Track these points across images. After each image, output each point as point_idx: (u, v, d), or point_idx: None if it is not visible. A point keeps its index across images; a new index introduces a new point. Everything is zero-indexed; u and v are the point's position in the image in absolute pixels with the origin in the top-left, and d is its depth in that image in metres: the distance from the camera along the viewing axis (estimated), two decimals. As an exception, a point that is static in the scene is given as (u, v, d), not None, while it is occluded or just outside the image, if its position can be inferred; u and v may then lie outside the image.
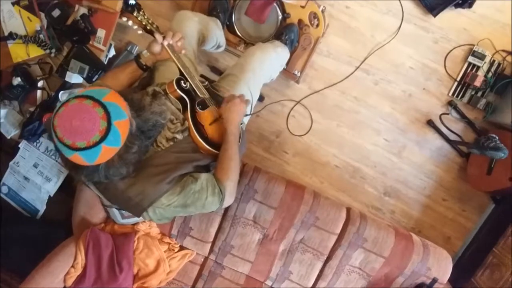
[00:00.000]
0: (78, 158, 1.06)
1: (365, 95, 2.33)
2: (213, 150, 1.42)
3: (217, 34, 1.91)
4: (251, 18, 2.01)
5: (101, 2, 1.91)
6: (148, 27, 1.38)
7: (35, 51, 1.93)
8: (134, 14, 1.36)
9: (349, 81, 2.32)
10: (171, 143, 1.33)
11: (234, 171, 1.39)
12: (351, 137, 2.38)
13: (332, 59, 2.32)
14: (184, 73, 1.39)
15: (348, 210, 1.95)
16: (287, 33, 1.99)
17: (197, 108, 1.41)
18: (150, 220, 1.95)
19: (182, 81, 1.38)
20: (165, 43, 1.35)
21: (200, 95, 1.42)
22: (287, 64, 2.09)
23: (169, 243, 1.99)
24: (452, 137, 2.28)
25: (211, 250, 2.01)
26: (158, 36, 1.34)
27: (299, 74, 2.15)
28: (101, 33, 1.93)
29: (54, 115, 1.05)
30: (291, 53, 2.06)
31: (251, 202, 1.90)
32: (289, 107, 2.41)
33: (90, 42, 1.93)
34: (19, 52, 1.94)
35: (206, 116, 1.43)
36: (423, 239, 1.96)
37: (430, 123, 2.29)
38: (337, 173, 2.43)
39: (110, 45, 2.01)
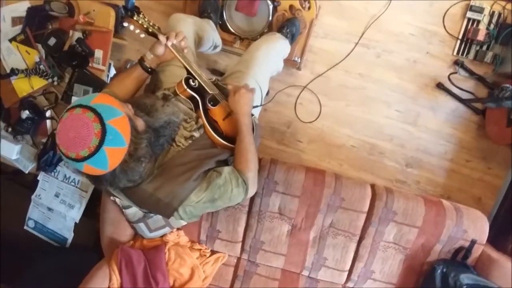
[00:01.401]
0: (89, 168, 1.06)
1: (369, 70, 2.30)
2: (230, 145, 1.43)
3: (212, 34, 1.91)
4: (242, 13, 2.01)
5: (93, 24, 1.94)
6: (150, 30, 1.38)
7: (38, 83, 1.97)
8: (135, 18, 1.35)
9: (350, 59, 2.29)
10: (190, 141, 1.34)
11: (252, 161, 1.40)
12: (362, 114, 2.35)
13: (330, 40, 2.30)
14: (191, 71, 1.39)
15: (373, 186, 1.92)
16: (289, 26, 1.99)
17: (209, 105, 1.41)
18: (178, 231, 1.99)
19: (191, 80, 1.38)
20: (169, 43, 1.35)
21: (210, 92, 1.42)
22: (285, 52, 2.09)
23: (200, 249, 1.99)
24: (465, 96, 2.23)
25: (242, 249, 2.00)
26: (162, 38, 1.34)
27: (299, 60, 2.14)
28: (98, 53, 1.95)
29: (56, 135, 1.06)
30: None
31: (273, 195, 1.89)
32: (295, 95, 2.39)
33: (90, 64, 1.95)
34: (23, 86, 1.98)
35: (218, 112, 1.44)
36: (454, 202, 1.92)
37: (440, 86, 2.25)
38: (354, 153, 2.40)
39: (110, 64, 2.02)
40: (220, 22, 2.10)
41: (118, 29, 2.29)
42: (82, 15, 1.89)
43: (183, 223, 1.90)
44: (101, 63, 1.96)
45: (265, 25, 2.04)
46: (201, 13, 2.01)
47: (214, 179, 1.29)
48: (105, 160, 1.05)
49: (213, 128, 1.40)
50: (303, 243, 1.94)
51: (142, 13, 1.38)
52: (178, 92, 1.38)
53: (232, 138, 1.43)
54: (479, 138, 2.29)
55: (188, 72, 1.40)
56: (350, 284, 1.98)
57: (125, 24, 1.39)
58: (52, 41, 1.88)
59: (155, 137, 1.21)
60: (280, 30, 2.00)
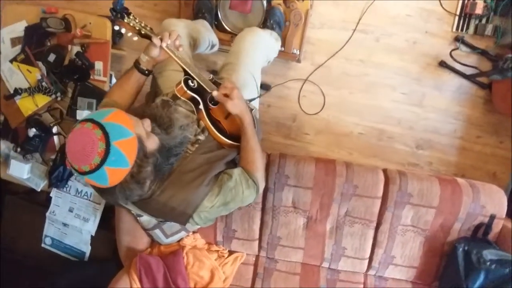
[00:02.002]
0: (91, 181, 1.08)
1: (370, 55, 2.29)
2: (236, 143, 1.41)
3: (207, 34, 1.91)
4: (236, 11, 2.01)
5: (91, 36, 1.95)
6: (142, 32, 1.35)
7: (42, 100, 1.99)
8: (125, 20, 1.33)
9: (350, 46, 2.28)
10: (196, 145, 1.34)
11: (259, 160, 1.41)
12: (367, 100, 2.34)
13: (327, 29, 2.29)
14: (189, 70, 1.37)
15: (385, 171, 1.90)
16: (270, 17, 1.98)
17: (210, 104, 1.39)
18: (194, 234, 1.98)
19: (190, 80, 1.36)
20: (164, 45, 1.33)
21: (209, 90, 1.39)
22: (283, 45, 2.08)
23: (218, 251, 1.98)
24: (469, 71, 2.20)
25: (260, 246, 1.99)
26: (156, 40, 1.32)
27: (298, 52, 2.13)
28: (99, 65, 1.96)
29: (66, 143, 1.09)
30: (284, 33, 2.04)
31: (285, 189, 1.88)
32: (297, 88, 2.38)
33: (91, 77, 1.96)
34: (27, 105, 1.99)
35: (219, 111, 1.42)
36: (469, 179, 1.89)
37: (442, 64, 2.23)
38: (363, 140, 2.38)
39: (111, 74, 2.03)
40: (216, 22, 2.10)
41: (116, 40, 2.32)
42: (79, 28, 1.89)
43: (199, 226, 1.89)
44: (102, 74, 1.97)
45: (260, 20, 2.04)
46: (196, 14, 2.02)
47: (225, 182, 1.29)
48: (105, 178, 1.06)
49: (217, 128, 1.38)
50: (320, 234, 1.92)
51: (132, 14, 1.35)
52: (178, 95, 1.36)
53: (237, 136, 1.42)
54: (487, 113, 2.26)
55: (186, 73, 1.38)
56: (372, 272, 1.96)
57: (116, 28, 1.35)
58: (51, 57, 1.89)
59: (166, 157, 1.20)
60: (264, 25, 1.99)
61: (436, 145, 2.33)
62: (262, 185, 1.41)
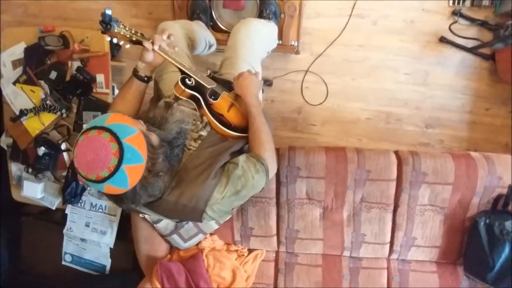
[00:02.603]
0: (111, 188, 1.06)
1: (368, 39, 2.26)
2: (241, 135, 1.41)
3: (203, 33, 1.91)
4: (230, 9, 2.01)
5: (89, 50, 1.97)
6: (134, 38, 1.36)
7: (48, 118, 2.01)
8: (116, 30, 1.34)
9: (347, 32, 2.26)
10: (199, 141, 1.34)
11: (267, 141, 1.38)
12: (370, 85, 2.31)
13: (323, 18, 2.27)
14: (184, 69, 1.38)
15: (396, 152, 1.88)
16: (266, 7, 1.97)
17: (210, 100, 1.39)
18: (212, 236, 1.98)
19: (187, 79, 1.36)
20: (156, 47, 1.33)
21: (208, 86, 1.40)
22: (281, 38, 2.07)
23: (237, 250, 1.98)
24: (470, 44, 2.17)
25: (279, 242, 1.97)
26: (147, 44, 1.32)
27: (296, 44, 2.12)
28: (100, 78, 1.98)
29: (74, 159, 1.07)
30: (280, 25, 2.03)
31: (298, 181, 1.86)
32: (299, 80, 2.37)
33: (94, 90, 1.98)
34: (34, 125, 2.02)
35: (221, 104, 1.42)
36: (482, 152, 1.86)
37: (443, 40, 2.20)
38: (371, 125, 2.36)
39: (113, 86, 2.04)
40: (211, 23, 2.10)
41: (115, 52, 2.33)
42: (77, 43, 1.91)
43: (215, 227, 1.89)
44: (104, 86, 1.99)
45: (255, 15, 2.03)
46: (191, 16, 2.02)
47: (232, 172, 1.28)
48: (125, 179, 1.06)
49: (220, 122, 1.38)
50: (338, 223, 1.90)
51: (121, 23, 1.36)
52: (178, 95, 1.36)
53: (242, 128, 1.42)
54: (493, 84, 2.23)
55: (182, 72, 1.39)
56: (394, 256, 1.93)
57: (108, 39, 1.37)
58: (53, 75, 1.91)
59: (170, 149, 1.21)
60: (260, 16, 1.98)
61: (446, 122, 2.30)
62: (272, 168, 1.38)
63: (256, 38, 1.69)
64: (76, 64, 1.95)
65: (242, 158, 1.31)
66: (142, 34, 1.38)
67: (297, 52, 2.24)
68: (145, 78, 1.42)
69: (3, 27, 2.26)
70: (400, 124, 2.34)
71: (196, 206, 1.25)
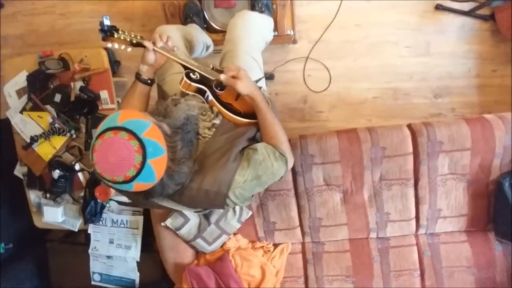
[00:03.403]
0: (139, 185, 1.05)
1: (364, 18, 2.24)
2: (252, 121, 1.42)
3: (200, 36, 1.92)
4: (222, 8, 2.01)
5: (89, 68, 1.98)
6: (134, 41, 1.38)
7: (58, 141, 2.03)
8: (115, 36, 1.36)
9: (342, 14, 2.24)
10: (214, 129, 1.35)
11: (281, 133, 1.39)
12: (373, 62, 2.29)
13: (315, 3, 2.26)
14: (187, 65, 1.39)
15: (409, 125, 1.85)
16: (257, 1, 1.97)
17: (217, 91, 1.40)
18: (236, 235, 1.97)
19: (191, 73, 1.37)
20: (158, 46, 1.35)
21: (213, 78, 1.41)
22: (276, 29, 2.06)
23: (262, 246, 1.96)
24: (467, 7, 2.14)
25: (303, 232, 1.96)
26: (148, 44, 1.34)
27: (292, 33, 2.11)
28: (104, 94, 1.99)
29: (96, 173, 1.05)
30: (274, 17, 2.02)
31: (314, 168, 1.85)
32: (300, 69, 2.35)
33: (100, 107, 1.99)
34: (46, 150, 2.04)
35: (228, 94, 1.42)
36: (496, 113, 1.83)
37: (439, 7, 2.16)
38: (379, 104, 2.33)
39: (118, 101, 2.05)
40: (206, 25, 2.11)
41: (115, 69, 2.35)
42: (76, 64, 1.93)
43: (237, 226, 1.88)
44: (109, 102, 2.00)
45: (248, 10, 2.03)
46: (185, 20, 2.03)
47: (252, 156, 1.28)
48: (152, 173, 1.05)
49: (230, 111, 1.39)
50: (360, 206, 1.88)
51: (120, 29, 1.37)
52: (184, 90, 1.38)
53: (252, 114, 1.42)
54: (497, 44, 2.19)
55: (185, 67, 1.39)
56: (422, 231, 1.90)
57: (109, 45, 1.38)
58: (57, 97, 1.93)
59: (184, 133, 1.21)
60: (253, 9, 1.98)
61: (454, 89, 2.26)
62: (290, 158, 1.39)
63: (254, 29, 1.69)
64: (79, 84, 1.96)
65: (261, 145, 1.32)
66: (141, 37, 1.39)
67: (294, 41, 2.23)
68: (148, 81, 1.43)
69: (3, 60, 2.30)
70: (409, 98, 2.31)
71: (219, 191, 1.24)
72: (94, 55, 2.00)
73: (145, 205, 1.37)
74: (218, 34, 2.13)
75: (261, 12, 1.94)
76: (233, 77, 1.33)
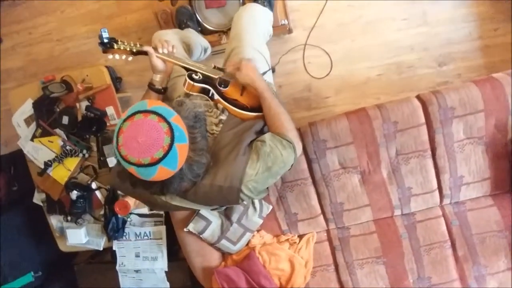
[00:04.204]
0: (163, 170, 1.05)
1: (357, -3, 2.23)
2: (259, 113, 1.42)
3: (197, 39, 1.93)
4: (213, 7, 2.02)
5: (92, 87, 2.00)
6: (134, 50, 1.39)
7: (72, 163, 2.05)
8: (116, 47, 1.37)
9: (333, -3, 2.23)
10: (221, 125, 1.35)
11: (287, 121, 1.39)
12: (372, 41, 2.27)
13: (305, -10, 2.25)
14: (189, 66, 1.40)
15: (418, 96, 1.83)
16: None
17: (221, 88, 1.40)
18: (259, 232, 1.95)
19: (193, 74, 1.38)
20: (160, 51, 1.37)
21: (215, 77, 1.42)
22: (271, 22, 2.06)
23: (287, 239, 1.95)
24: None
25: (326, 219, 1.93)
26: (149, 48, 1.36)
27: (286, 22, 2.11)
28: (110, 110, 2.01)
29: (119, 157, 1.04)
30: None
31: (328, 153, 1.83)
32: (300, 58, 2.34)
33: (108, 124, 2.01)
34: (61, 173, 2.06)
35: (232, 90, 1.43)
36: (504, 71, 1.79)
37: (430, -26, 2.15)
38: (384, 81, 2.30)
39: (124, 115, 2.07)
40: (200, 28, 2.11)
41: (117, 85, 2.37)
42: (79, 84, 1.95)
43: (260, 222, 1.87)
44: (116, 117, 2.02)
45: (240, 5, 2.03)
46: (179, 26, 2.04)
47: (260, 148, 1.28)
48: (176, 158, 1.05)
49: (236, 106, 1.40)
50: (380, 184, 1.85)
51: (119, 40, 1.39)
52: (188, 91, 1.38)
53: (258, 107, 1.43)
54: (494, 3, 2.14)
55: (187, 69, 1.40)
56: (446, 201, 1.86)
57: (110, 57, 1.40)
58: (65, 120, 1.95)
59: (199, 127, 1.20)
60: (256, 1, 1.97)
61: (458, 55, 2.22)
62: (298, 145, 1.38)
63: (259, 21, 1.70)
64: (84, 103, 1.99)
65: (267, 136, 1.32)
66: (141, 44, 1.41)
67: (290, 31, 2.23)
68: (162, 90, 1.45)
69: (7, 94, 2.33)
70: (413, 71, 2.27)
71: (231, 186, 1.24)
72: (95, 73, 2.02)
73: (162, 206, 1.36)
74: (214, 35, 2.13)
75: (263, 5, 1.94)
76: (237, 66, 1.36)
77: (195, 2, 2.04)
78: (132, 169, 1.04)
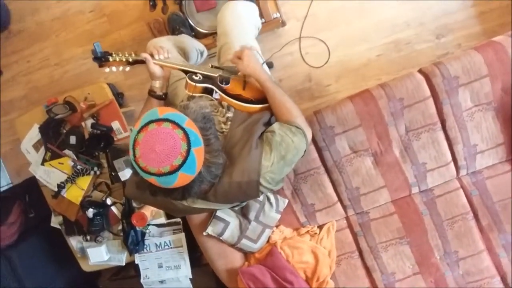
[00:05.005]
0: (183, 176, 1.05)
1: (344, -19, 2.22)
2: (265, 105, 1.43)
3: (192, 43, 1.94)
4: (204, 10, 2.02)
5: (95, 104, 2.01)
6: (130, 60, 1.40)
7: (84, 182, 2.06)
8: (111, 60, 1.38)
9: (321, -16, 2.23)
10: (229, 122, 1.36)
11: (293, 108, 1.40)
12: (366, 22, 2.26)
13: (292, -18, 2.25)
14: (187, 68, 1.40)
15: (420, 70, 1.81)
16: None
17: (223, 86, 1.40)
18: (278, 227, 1.94)
19: (193, 75, 1.38)
20: (156, 57, 1.38)
21: (215, 75, 1.42)
22: (263, 17, 2.06)
23: (307, 231, 1.93)
24: None
25: (344, 206, 1.92)
26: (146, 55, 1.37)
27: (279, 15, 2.11)
28: (115, 125, 2.03)
29: (138, 169, 1.04)
30: (257, 4, 2.01)
31: (337, 139, 1.82)
32: (297, 50, 2.34)
33: (115, 138, 2.02)
34: (75, 193, 2.07)
35: (234, 86, 1.43)
36: (504, 34, 1.77)
37: None
38: (384, 61, 2.29)
39: (130, 129, 2.07)
40: (194, 33, 2.12)
41: (120, 101, 2.39)
42: (82, 102, 1.97)
43: (277, 217, 1.86)
44: (123, 131, 2.03)
45: (231, 5, 2.04)
46: (173, 33, 2.05)
47: (271, 139, 1.28)
48: (194, 163, 1.05)
49: (241, 101, 1.40)
50: (393, 164, 1.83)
51: (113, 52, 1.40)
52: (190, 93, 1.38)
53: (263, 99, 1.43)
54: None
55: (186, 72, 1.41)
56: (463, 172, 1.84)
57: (107, 70, 1.40)
58: (72, 140, 1.97)
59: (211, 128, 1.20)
60: None
61: (454, 25, 2.20)
62: (307, 130, 1.38)
63: (242, 16, 1.70)
64: (89, 121, 2.00)
65: (276, 126, 1.32)
66: (135, 53, 1.42)
67: (283, 24, 2.22)
68: (163, 96, 1.46)
69: (14, 123, 2.36)
70: (412, 47, 2.25)
71: (250, 180, 1.24)
72: (97, 90, 2.04)
73: (183, 211, 1.36)
74: (208, 38, 2.14)
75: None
76: (238, 58, 1.37)
77: (186, 8, 2.05)
78: (152, 180, 1.04)
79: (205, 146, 1.10)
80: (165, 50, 1.44)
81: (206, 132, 1.12)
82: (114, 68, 1.40)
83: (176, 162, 1.01)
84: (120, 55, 1.39)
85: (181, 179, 1.05)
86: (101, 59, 1.36)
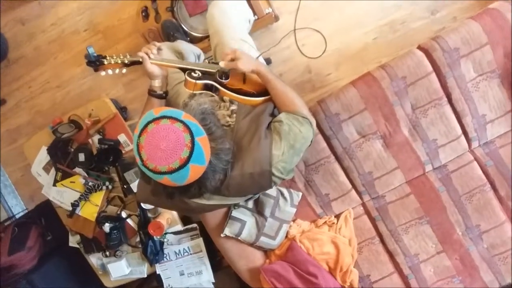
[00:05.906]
0: (195, 168, 1.04)
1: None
2: (267, 97, 1.42)
3: (188, 47, 1.93)
4: (196, 14, 2.03)
5: (100, 119, 2.02)
6: (126, 61, 1.39)
7: (97, 198, 2.06)
8: (106, 63, 1.37)
9: (309, -25, 2.22)
10: (234, 115, 1.36)
11: (296, 98, 1.39)
12: (359, 8, 2.25)
13: (280, -24, 2.25)
14: (184, 66, 1.40)
15: (419, 46, 1.80)
16: None
17: (223, 80, 1.39)
18: (295, 221, 1.93)
19: (192, 73, 1.37)
20: (152, 56, 1.37)
21: (214, 70, 1.41)
22: (255, 14, 2.05)
23: (325, 222, 1.91)
24: None
25: (359, 193, 1.90)
26: (142, 54, 1.37)
27: (271, 10, 2.10)
28: (122, 137, 2.03)
29: (148, 172, 1.03)
30: (248, 2, 2.01)
31: (343, 125, 1.81)
32: (293, 43, 2.33)
33: (123, 151, 2.02)
34: (89, 210, 2.07)
35: (235, 80, 1.42)
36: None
37: None
38: (381, 43, 2.27)
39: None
40: (189, 38, 2.13)
41: (123, 114, 2.40)
42: (86, 119, 1.98)
43: (293, 211, 1.84)
44: (130, 143, 2.03)
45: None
46: (168, 39, 2.05)
47: (280, 129, 1.27)
48: (202, 152, 1.04)
49: (243, 94, 1.39)
50: (404, 144, 1.82)
51: (107, 55, 1.39)
52: (191, 91, 1.37)
53: (264, 91, 1.42)
54: None
55: (184, 70, 1.40)
56: (475, 144, 1.82)
57: (103, 73, 1.40)
58: (81, 157, 1.98)
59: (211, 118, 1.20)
60: None
61: (448, -1, 2.19)
62: (312, 119, 1.38)
63: (231, 12, 1.69)
64: (96, 137, 2.01)
65: (283, 116, 1.32)
66: (130, 55, 1.41)
67: (276, 18, 2.22)
68: (163, 94, 1.45)
69: (21, 149, 2.38)
70: (407, 25, 2.24)
71: (262, 170, 1.23)
72: (100, 105, 2.05)
73: (199, 210, 1.35)
74: (204, 41, 2.14)
75: None
76: (232, 59, 1.34)
77: (178, 14, 2.06)
78: (165, 179, 1.03)
79: (208, 135, 1.09)
80: (157, 45, 1.43)
81: (205, 122, 1.12)
82: (110, 71, 1.39)
83: (184, 154, 1.01)
84: (115, 57, 1.39)
85: (193, 171, 1.04)
86: (96, 63, 1.35)
